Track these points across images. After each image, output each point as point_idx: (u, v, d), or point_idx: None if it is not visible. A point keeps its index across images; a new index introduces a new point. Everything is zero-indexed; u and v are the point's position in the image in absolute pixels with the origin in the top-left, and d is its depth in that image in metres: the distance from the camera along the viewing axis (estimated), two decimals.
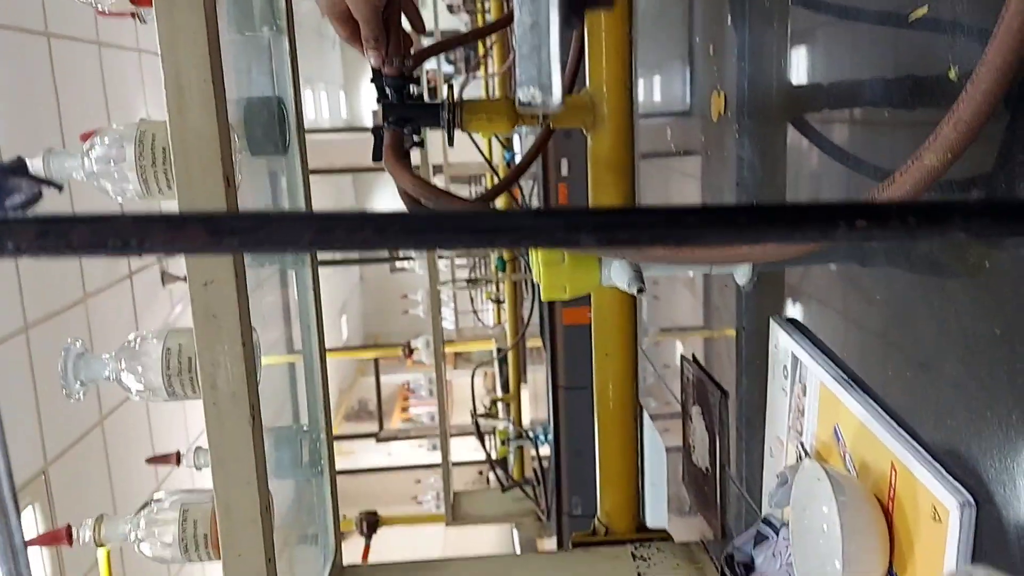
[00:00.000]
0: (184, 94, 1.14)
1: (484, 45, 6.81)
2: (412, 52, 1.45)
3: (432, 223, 0.41)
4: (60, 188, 0.44)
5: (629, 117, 1.81)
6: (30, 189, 0.43)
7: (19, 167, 0.43)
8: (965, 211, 0.51)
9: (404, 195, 1.48)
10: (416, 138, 1.55)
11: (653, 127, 2.49)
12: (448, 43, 1.93)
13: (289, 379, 1.93)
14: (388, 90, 1.45)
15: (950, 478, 0.91)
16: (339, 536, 1.82)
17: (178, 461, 1.50)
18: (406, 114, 1.49)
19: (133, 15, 1.28)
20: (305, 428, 1.74)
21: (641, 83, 2.72)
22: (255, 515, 1.22)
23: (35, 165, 1.23)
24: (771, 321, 1.37)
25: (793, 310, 1.41)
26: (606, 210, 0.44)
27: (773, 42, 1.57)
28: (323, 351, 1.77)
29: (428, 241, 0.41)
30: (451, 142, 1.54)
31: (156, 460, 1.54)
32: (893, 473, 0.99)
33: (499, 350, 7.69)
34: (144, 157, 1.18)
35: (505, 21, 2.23)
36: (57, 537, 1.35)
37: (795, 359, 1.24)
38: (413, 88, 1.54)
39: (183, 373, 1.26)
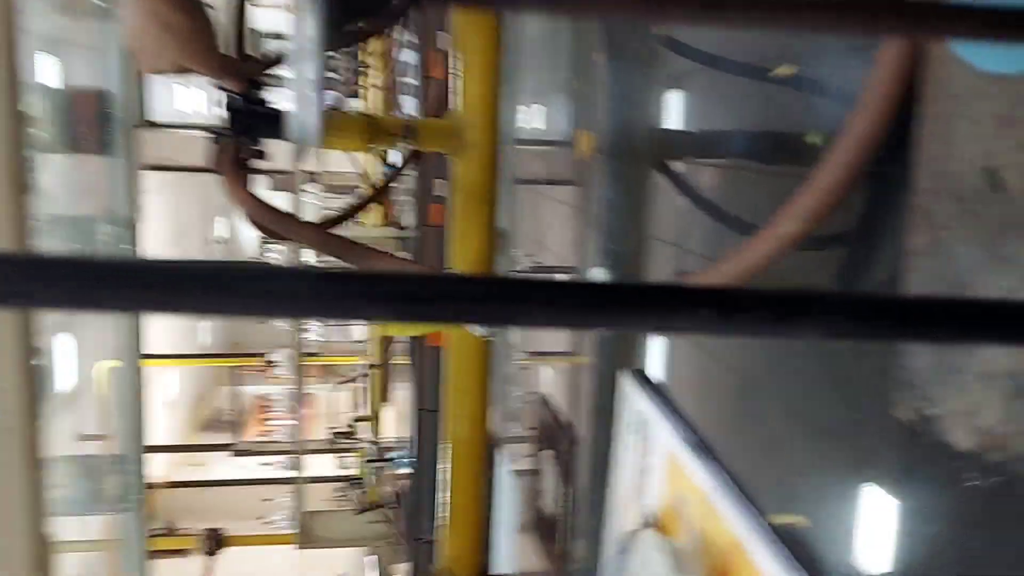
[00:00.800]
0: None
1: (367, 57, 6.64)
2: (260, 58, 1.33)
3: (169, 283, 0.32)
4: None
5: (495, 145, 1.74)
6: None
7: None
8: (823, 305, 0.44)
9: (238, 203, 1.34)
10: (257, 148, 1.41)
11: (530, 155, 2.44)
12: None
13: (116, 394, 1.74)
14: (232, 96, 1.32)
15: (792, 559, 0.86)
16: None
17: None
18: (250, 123, 1.36)
19: None
20: (116, 456, 1.56)
21: (521, 111, 2.66)
22: (27, 563, 1.06)
23: None
24: (622, 374, 1.32)
25: (648, 362, 1.36)
26: (403, 278, 0.35)
27: (641, 87, 1.53)
28: (138, 364, 1.60)
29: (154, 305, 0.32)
30: (300, 155, 1.41)
31: None
32: (735, 550, 0.94)
33: (371, 366, 7.48)
34: None
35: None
36: None
37: (643, 418, 1.19)
38: (264, 95, 1.41)
39: None
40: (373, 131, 1.52)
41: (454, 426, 1.80)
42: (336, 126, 1.45)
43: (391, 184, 1.78)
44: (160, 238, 8.40)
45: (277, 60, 1.30)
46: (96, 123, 1.30)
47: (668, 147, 1.57)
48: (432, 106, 1.99)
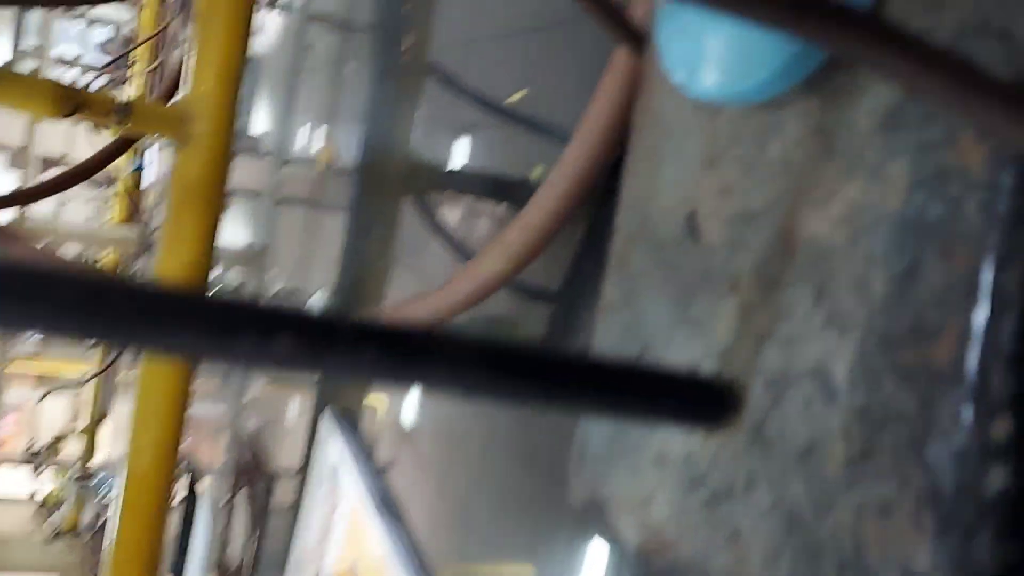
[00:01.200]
0: None
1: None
2: None
3: None
4: None
5: (227, 141, 1.55)
6: None
7: None
8: (452, 351, 0.34)
9: None
10: None
11: (300, 173, 2.27)
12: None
13: None
14: None
15: None
16: None
17: None
18: None
19: None
20: None
21: (269, 115, 2.49)
22: None
23: None
24: (325, 412, 1.17)
25: (352, 400, 1.23)
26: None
27: (393, 111, 1.43)
28: None
29: None
30: None
31: None
32: None
33: (91, 375, 6.76)
34: None
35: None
36: None
37: (335, 466, 1.05)
38: None
39: None
40: (70, 101, 1.29)
41: (134, 457, 1.57)
42: (19, 88, 1.21)
43: (95, 171, 1.54)
44: None
45: None
46: None
47: (413, 175, 1.47)
48: (166, 88, 1.76)
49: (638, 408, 0.39)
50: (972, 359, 0.31)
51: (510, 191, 0.94)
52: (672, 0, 0.42)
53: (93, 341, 0.28)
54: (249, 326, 0.31)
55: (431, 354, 0.33)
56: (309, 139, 2.02)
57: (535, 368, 0.34)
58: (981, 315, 0.31)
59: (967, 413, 0.32)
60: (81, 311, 0.28)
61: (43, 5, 4.31)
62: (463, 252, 1.17)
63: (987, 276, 0.31)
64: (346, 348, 0.32)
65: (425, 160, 1.42)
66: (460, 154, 1.23)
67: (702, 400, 0.41)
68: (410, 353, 0.33)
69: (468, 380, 0.34)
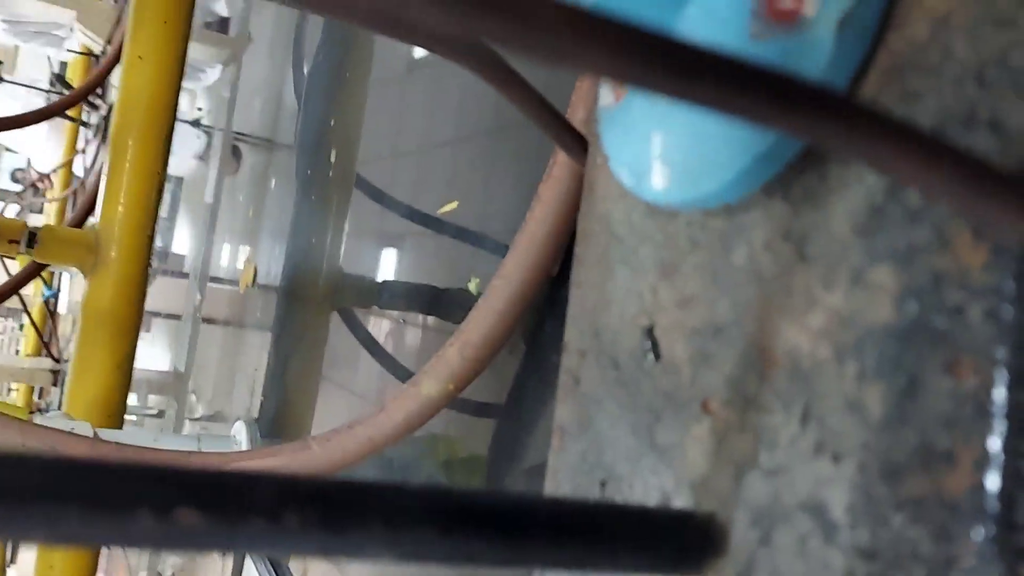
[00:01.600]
0: None
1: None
2: None
3: None
4: None
5: (141, 266, 1.48)
6: None
7: None
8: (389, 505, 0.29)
9: None
10: None
11: (223, 294, 2.19)
12: None
13: None
14: None
15: None
16: None
17: None
18: None
19: None
20: None
21: (190, 234, 2.42)
22: None
23: None
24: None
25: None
26: None
27: (311, 226, 1.39)
28: None
29: None
30: None
31: None
32: None
33: None
34: None
35: None
36: None
37: None
38: None
39: None
40: None
41: None
42: None
43: (7, 296, 1.45)
44: None
45: None
46: None
47: (339, 290, 1.42)
48: (79, 214, 1.69)
49: (605, 555, 0.34)
50: (992, 487, 0.27)
51: (444, 304, 0.90)
52: (617, 94, 0.39)
53: None
54: (144, 500, 0.25)
55: (367, 515, 0.28)
56: (232, 257, 1.96)
57: (488, 519, 0.29)
58: (998, 437, 0.27)
59: (991, 549, 0.28)
60: None
61: None
62: (397, 370, 1.12)
63: (1000, 392, 0.27)
64: (264, 518, 0.26)
65: (353, 274, 1.37)
66: (389, 267, 1.19)
67: (680, 540, 0.37)
68: (342, 516, 0.28)
69: (411, 541, 0.29)
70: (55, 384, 3.99)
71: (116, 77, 1.61)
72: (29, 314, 4.35)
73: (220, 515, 0.26)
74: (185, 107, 3.88)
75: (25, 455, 0.23)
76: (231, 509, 0.26)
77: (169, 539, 0.25)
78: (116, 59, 1.86)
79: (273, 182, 1.51)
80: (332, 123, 1.28)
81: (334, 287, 1.40)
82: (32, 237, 1.41)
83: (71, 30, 3.41)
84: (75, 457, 0.24)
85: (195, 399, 2.90)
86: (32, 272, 1.46)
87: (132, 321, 1.47)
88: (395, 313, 1.16)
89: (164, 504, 0.25)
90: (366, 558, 0.29)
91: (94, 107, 3.76)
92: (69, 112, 3.89)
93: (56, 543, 0.24)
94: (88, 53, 4.14)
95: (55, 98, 4.40)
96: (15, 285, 1.44)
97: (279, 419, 1.59)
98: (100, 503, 0.24)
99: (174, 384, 3.46)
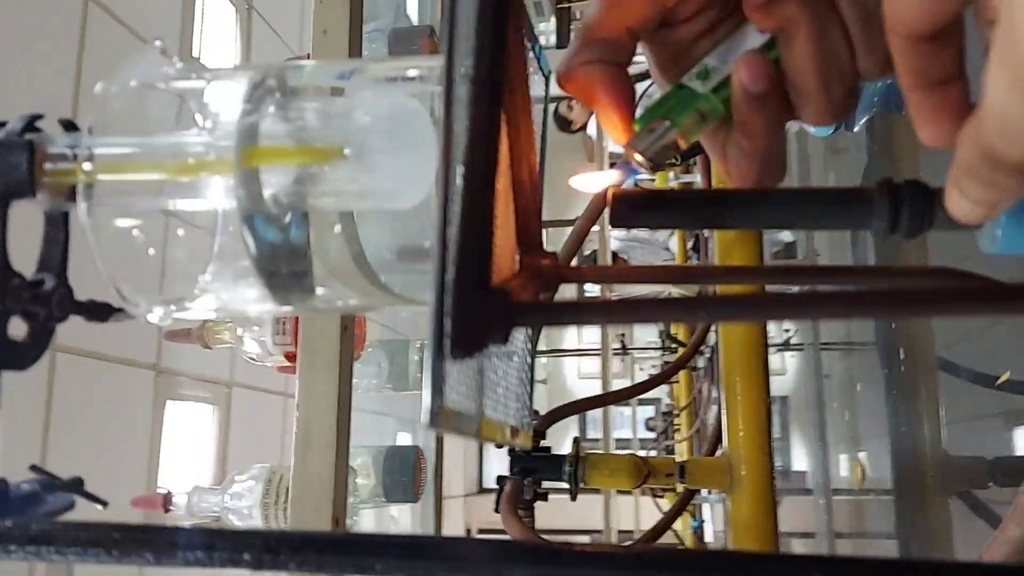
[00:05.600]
0: (310, 440, 1.26)
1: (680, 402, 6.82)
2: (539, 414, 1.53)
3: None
4: (105, 505, 0.50)
5: (769, 481, 1.74)
6: (64, 501, 0.50)
7: (75, 483, 0.50)
8: None
9: None
10: (538, 490, 1.57)
11: (817, 497, 2.37)
12: (581, 404, 2.02)
13: None
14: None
15: None
16: None
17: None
18: (530, 465, 1.53)
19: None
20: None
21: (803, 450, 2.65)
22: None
23: (180, 500, 1.38)
24: None
25: None
26: None
27: (904, 417, 1.52)
28: None
29: None
30: (573, 496, 1.55)
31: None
32: None
33: None
34: (269, 495, 1.29)
35: (654, 382, 2.29)
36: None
37: None
38: (540, 442, 1.60)
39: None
40: (641, 472, 1.62)
41: None
42: (605, 465, 1.58)
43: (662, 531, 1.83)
44: None
45: None
46: (409, 476, 1.57)
47: (951, 472, 1.51)
48: (709, 446, 2.06)
49: None
50: None
51: None
52: None
53: None
54: None
55: None
56: (841, 465, 2.13)
57: None
58: None
59: None
60: None
61: (604, 405, 5.18)
62: None
63: None
64: None
65: (964, 455, 1.44)
66: (1004, 443, 1.25)
67: None
68: None
69: None
70: None
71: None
72: (683, 544, 4.92)
73: None
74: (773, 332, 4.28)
75: None
76: None
77: None
78: None
79: (858, 386, 1.69)
80: (892, 324, 1.45)
81: (945, 470, 1.48)
82: (682, 469, 1.79)
83: None
84: None
85: None
86: (682, 504, 1.82)
87: (770, 533, 1.72)
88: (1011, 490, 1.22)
89: None
90: None
91: (700, 353, 4.38)
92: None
93: None
94: None
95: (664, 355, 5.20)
96: (671, 518, 1.81)
97: None
98: None
99: None
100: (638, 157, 0.40)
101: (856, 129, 1.23)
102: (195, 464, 4.06)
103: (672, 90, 0.41)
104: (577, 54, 0.40)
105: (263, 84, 0.47)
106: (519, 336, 0.48)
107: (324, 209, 0.48)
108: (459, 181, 0.32)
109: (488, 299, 0.33)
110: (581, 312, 0.38)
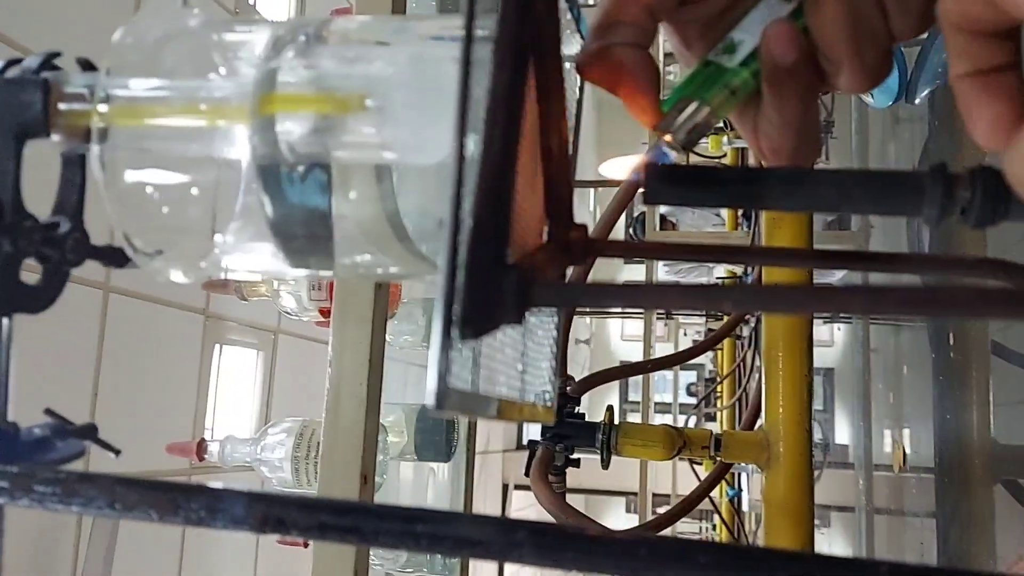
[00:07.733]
0: (341, 397, 1.26)
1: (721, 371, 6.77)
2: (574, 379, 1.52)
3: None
4: (117, 453, 0.49)
5: (807, 460, 1.71)
6: (74, 449, 0.49)
7: (88, 430, 0.50)
8: None
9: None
10: (570, 456, 1.56)
11: (857, 473, 2.33)
12: (613, 372, 1.99)
13: None
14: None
15: None
16: None
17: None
18: (562, 432, 1.52)
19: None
20: None
21: (848, 425, 2.61)
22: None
23: (213, 447, 1.39)
24: None
25: None
26: None
27: (954, 402, 1.48)
28: None
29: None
30: (605, 465, 1.54)
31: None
32: None
33: None
34: (300, 449, 1.30)
35: (685, 355, 2.26)
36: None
37: None
38: (575, 408, 1.59)
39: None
40: (675, 442, 1.60)
41: None
42: (638, 435, 1.57)
43: (696, 503, 1.81)
44: None
45: None
46: (443, 436, 1.56)
47: (1001, 460, 1.47)
48: (748, 419, 2.04)
49: None
50: None
51: None
52: None
53: None
54: None
55: None
56: (885, 442, 2.09)
57: None
58: None
59: None
60: None
61: (639, 373, 5.14)
62: None
63: None
64: None
65: (1013, 443, 1.41)
66: None
67: None
68: None
69: None
70: None
71: None
72: (720, 513, 4.91)
73: None
74: None
75: None
76: None
77: None
78: (758, 280, 2.23)
79: (904, 368, 1.64)
80: None
81: (995, 458, 1.44)
82: (717, 442, 1.77)
83: None
84: None
85: None
86: (719, 474, 1.80)
87: (806, 511, 1.70)
88: None
89: None
90: None
91: (745, 322, 4.32)
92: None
93: None
94: (734, 276, 4.81)
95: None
96: (706, 488, 1.79)
97: None
98: None
99: None
100: (668, 139, 0.38)
101: (917, 101, 1.17)
102: (240, 409, 4.15)
103: (699, 67, 0.38)
104: (596, 40, 0.37)
105: (291, 37, 0.45)
106: (545, 311, 0.46)
107: (345, 162, 0.46)
108: (475, 151, 0.30)
109: (503, 277, 0.31)
110: (601, 295, 0.36)
